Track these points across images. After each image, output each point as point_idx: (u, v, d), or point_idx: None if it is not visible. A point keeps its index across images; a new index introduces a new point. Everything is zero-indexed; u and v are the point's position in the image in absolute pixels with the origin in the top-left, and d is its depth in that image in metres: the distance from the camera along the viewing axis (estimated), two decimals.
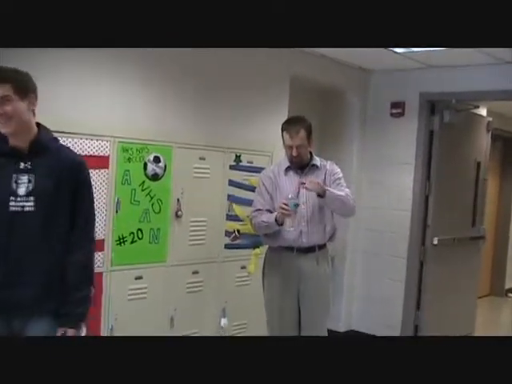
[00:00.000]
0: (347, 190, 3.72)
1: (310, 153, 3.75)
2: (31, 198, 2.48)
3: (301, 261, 3.66)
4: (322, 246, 3.71)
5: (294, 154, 3.59)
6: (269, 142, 4.88)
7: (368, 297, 5.95)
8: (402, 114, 5.86)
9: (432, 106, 5.82)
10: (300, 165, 3.69)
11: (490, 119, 6.52)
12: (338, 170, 3.79)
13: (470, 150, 6.26)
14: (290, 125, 3.66)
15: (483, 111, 6.67)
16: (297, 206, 3.55)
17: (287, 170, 3.70)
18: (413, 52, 5.14)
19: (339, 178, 3.74)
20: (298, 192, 3.64)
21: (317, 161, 3.73)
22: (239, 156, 4.78)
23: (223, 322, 4.65)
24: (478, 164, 6.35)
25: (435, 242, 5.78)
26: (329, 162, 3.79)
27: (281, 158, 3.96)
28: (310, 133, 3.68)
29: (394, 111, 5.90)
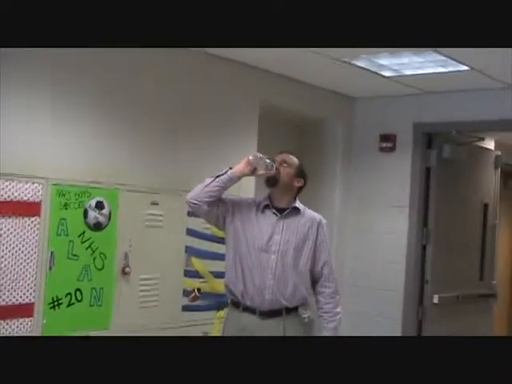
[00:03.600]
0: (330, 265, 3.82)
1: (295, 198, 3.86)
2: None
3: (263, 327, 3.70)
4: (292, 310, 3.76)
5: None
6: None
7: None
8: (392, 149, 6.03)
9: (428, 138, 5.99)
10: (276, 199, 3.77)
11: (499, 153, 6.71)
12: (326, 230, 3.90)
13: (476, 189, 6.42)
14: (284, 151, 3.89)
15: (490, 144, 6.85)
16: (272, 166, 3.66)
17: (265, 208, 3.80)
18: (403, 75, 5.33)
19: (325, 242, 3.84)
20: (271, 236, 3.73)
21: (300, 206, 3.83)
22: None
23: None
24: (486, 206, 6.52)
25: (435, 300, 5.88)
26: (320, 216, 3.88)
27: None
28: (301, 172, 3.85)
29: (384, 145, 6.06)
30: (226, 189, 3.71)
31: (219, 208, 3.74)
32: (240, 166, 3.70)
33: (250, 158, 3.68)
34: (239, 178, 3.71)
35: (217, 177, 3.68)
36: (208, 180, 3.69)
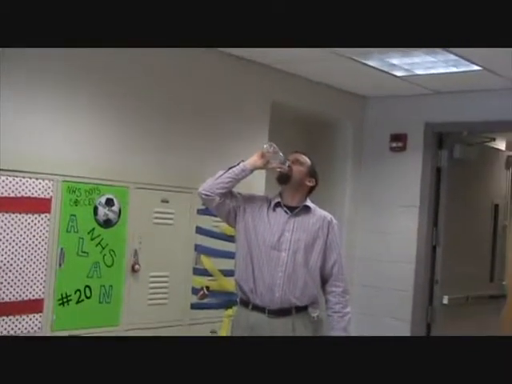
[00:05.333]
0: (340, 265, 3.81)
1: (306, 198, 3.87)
2: None
3: (272, 326, 3.70)
4: (301, 309, 3.77)
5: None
6: (245, 181, 4.94)
7: None
8: (403, 148, 6.01)
9: (439, 138, 5.98)
10: (288, 197, 3.78)
11: (510, 154, 6.70)
12: (337, 230, 3.90)
13: (486, 190, 6.41)
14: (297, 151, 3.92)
15: (501, 144, 6.82)
16: (285, 161, 3.69)
17: (276, 205, 3.81)
18: (415, 75, 5.31)
19: (335, 242, 3.84)
20: (281, 234, 3.73)
21: (311, 205, 3.85)
22: None
23: None
24: (496, 207, 6.50)
25: (445, 301, 5.87)
26: (330, 216, 3.89)
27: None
28: (313, 172, 3.88)
29: (395, 145, 6.05)
30: (238, 181, 3.72)
31: (231, 202, 3.75)
32: (253, 158, 3.72)
33: (265, 145, 3.70)
34: (251, 170, 3.73)
35: (229, 169, 3.70)
36: (220, 172, 3.71)
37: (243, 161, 3.72)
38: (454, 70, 5.05)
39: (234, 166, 3.70)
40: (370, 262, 6.07)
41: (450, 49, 4.49)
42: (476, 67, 4.92)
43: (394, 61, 4.96)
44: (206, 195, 3.70)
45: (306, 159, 3.86)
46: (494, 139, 6.42)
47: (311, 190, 3.88)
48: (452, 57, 4.69)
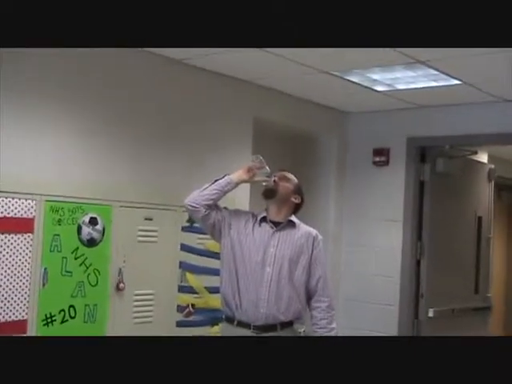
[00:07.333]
0: (325, 280, 3.81)
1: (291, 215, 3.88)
2: None
3: None
4: (287, 324, 3.75)
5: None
6: (229, 195, 4.93)
7: None
8: (386, 163, 6.05)
9: (422, 152, 6.01)
10: (273, 212, 3.78)
11: (492, 166, 6.74)
12: (322, 245, 3.90)
13: (469, 203, 6.43)
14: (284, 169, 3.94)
15: (483, 157, 6.86)
16: (271, 175, 3.72)
17: (262, 220, 3.81)
18: (396, 90, 5.34)
19: (320, 257, 3.85)
20: (266, 249, 3.73)
21: (296, 220, 3.86)
22: None
23: None
24: (480, 219, 6.52)
25: (431, 314, 5.88)
26: (315, 231, 3.89)
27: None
28: (299, 190, 3.89)
29: (378, 159, 6.08)
30: (224, 193, 3.73)
31: (216, 215, 3.75)
32: (239, 172, 3.75)
33: (252, 157, 3.77)
34: (237, 183, 3.75)
35: (215, 181, 3.72)
36: (206, 184, 3.72)
37: (228, 174, 3.74)
38: (434, 84, 5.09)
39: (220, 179, 3.72)
40: (354, 276, 6.08)
41: (430, 63, 4.52)
42: (455, 81, 4.96)
43: (375, 76, 4.99)
44: (192, 206, 3.71)
45: (292, 177, 3.88)
46: (476, 152, 6.46)
47: (297, 207, 3.88)
48: (432, 71, 4.73)
